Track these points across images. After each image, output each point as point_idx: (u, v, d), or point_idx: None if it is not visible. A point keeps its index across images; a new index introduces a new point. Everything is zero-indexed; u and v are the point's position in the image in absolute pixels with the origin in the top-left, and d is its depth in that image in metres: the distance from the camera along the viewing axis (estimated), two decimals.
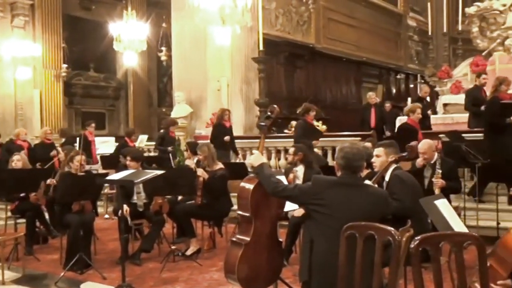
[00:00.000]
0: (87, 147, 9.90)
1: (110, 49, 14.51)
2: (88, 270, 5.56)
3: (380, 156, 4.45)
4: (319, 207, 3.27)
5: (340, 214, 3.20)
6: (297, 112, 9.47)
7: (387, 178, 4.40)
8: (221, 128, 9.56)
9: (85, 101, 17.29)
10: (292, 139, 8.85)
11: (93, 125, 10.92)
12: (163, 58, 16.93)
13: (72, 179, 5.84)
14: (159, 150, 10.09)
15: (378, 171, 4.41)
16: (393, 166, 4.42)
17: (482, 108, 8.32)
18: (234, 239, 3.99)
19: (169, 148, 9.77)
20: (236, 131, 11.54)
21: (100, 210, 8.07)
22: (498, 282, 2.89)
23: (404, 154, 4.60)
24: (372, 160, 4.52)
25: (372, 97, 11.69)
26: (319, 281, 3.26)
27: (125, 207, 5.78)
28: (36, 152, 9.87)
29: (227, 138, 9.33)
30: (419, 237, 2.58)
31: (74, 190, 5.68)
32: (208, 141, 10.15)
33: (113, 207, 7.38)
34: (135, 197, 6.25)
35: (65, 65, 15.73)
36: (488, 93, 8.38)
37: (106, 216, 8.90)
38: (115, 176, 5.47)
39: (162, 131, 10.55)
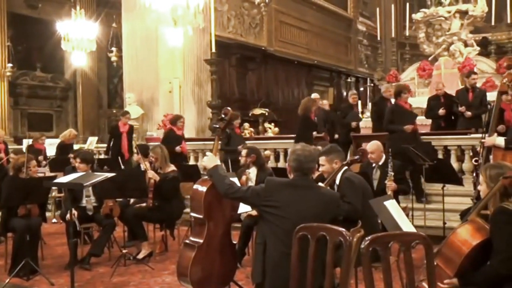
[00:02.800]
0: (118, 139, 9.65)
1: (58, 48, 14.14)
2: (35, 276, 5.39)
3: (324, 164, 4.49)
4: (272, 209, 3.30)
5: (292, 215, 3.23)
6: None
7: (337, 181, 4.46)
8: (308, 120, 8.48)
9: (31, 102, 16.75)
10: (246, 141, 8.88)
11: (128, 115, 10.22)
12: (114, 58, 16.61)
13: (17, 182, 5.64)
14: (226, 151, 8.73)
15: (328, 176, 4.47)
16: (344, 168, 4.49)
17: (460, 108, 8.59)
18: (187, 241, 3.96)
19: (239, 147, 8.31)
20: (188, 133, 11.48)
21: (47, 214, 7.86)
22: (445, 281, 2.98)
23: (356, 157, 4.68)
24: (320, 169, 4.56)
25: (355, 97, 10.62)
26: (273, 282, 3.28)
27: (73, 210, 5.64)
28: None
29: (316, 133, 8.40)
30: (369, 237, 2.63)
31: (19, 194, 5.48)
32: (159, 143, 10.06)
33: (61, 211, 7.18)
34: (84, 201, 6.11)
35: (10, 65, 15.22)
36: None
37: (54, 220, 8.66)
38: (63, 179, 5.32)
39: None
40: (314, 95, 10.85)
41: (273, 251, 3.28)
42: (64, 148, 9.97)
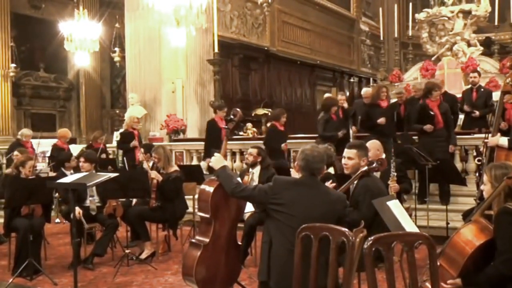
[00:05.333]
0: (217, 134, 8.82)
1: (61, 49, 14.16)
2: (38, 276, 5.41)
3: (353, 158, 4.27)
4: (278, 206, 3.31)
5: (298, 213, 3.24)
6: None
7: (355, 181, 4.30)
8: (376, 108, 7.98)
9: (34, 102, 16.75)
10: (249, 142, 8.82)
11: (225, 109, 9.28)
12: (117, 59, 16.62)
13: (19, 183, 5.65)
14: (323, 138, 7.93)
15: (350, 174, 4.30)
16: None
17: (465, 107, 8.50)
18: (193, 240, 3.99)
19: (339, 133, 7.93)
20: (191, 133, 11.49)
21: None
22: (448, 282, 2.97)
23: (374, 166, 4.47)
24: (344, 162, 4.36)
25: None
26: (278, 280, 3.28)
27: (78, 209, 5.66)
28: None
29: (381, 120, 7.76)
30: (372, 238, 2.63)
31: (21, 194, 5.48)
32: (163, 143, 10.05)
33: (63, 211, 7.19)
34: (87, 201, 6.13)
35: (13, 65, 15.26)
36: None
37: (57, 220, 8.67)
38: (67, 179, 5.33)
39: (322, 113, 8.37)
40: (327, 96, 10.29)
41: (279, 249, 3.28)
42: (127, 136, 9.53)
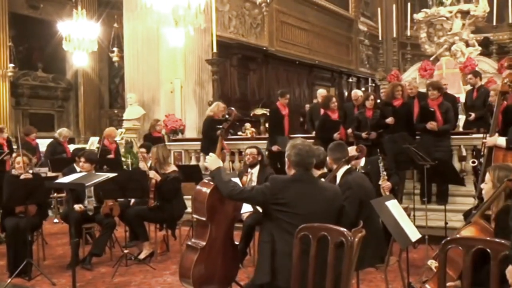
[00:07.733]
0: (281, 121, 8.46)
1: (59, 48, 14.17)
2: (37, 276, 5.39)
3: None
4: (281, 206, 3.27)
5: (301, 211, 3.22)
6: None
7: (338, 180, 4.37)
8: (388, 107, 7.87)
9: (32, 102, 16.76)
10: (247, 142, 8.80)
11: (287, 95, 8.79)
12: (115, 59, 16.64)
13: (19, 182, 5.63)
14: (355, 136, 7.84)
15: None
16: (345, 167, 4.42)
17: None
18: (189, 243, 3.95)
19: (363, 134, 7.67)
20: (190, 133, 11.49)
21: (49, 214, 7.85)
22: (448, 284, 2.97)
23: (354, 155, 4.56)
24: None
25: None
26: (286, 278, 3.20)
27: (77, 206, 5.75)
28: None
29: (390, 120, 7.58)
30: (449, 238, 2.61)
31: (20, 194, 5.45)
32: (164, 143, 10.03)
33: (63, 211, 7.18)
34: (86, 201, 6.11)
35: (11, 65, 15.25)
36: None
37: (56, 220, 8.66)
38: (65, 179, 5.31)
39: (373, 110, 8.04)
40: (321, 92, 10.30)
41: (285, 248, 3.20)
42: (215, 124, 8.64)
